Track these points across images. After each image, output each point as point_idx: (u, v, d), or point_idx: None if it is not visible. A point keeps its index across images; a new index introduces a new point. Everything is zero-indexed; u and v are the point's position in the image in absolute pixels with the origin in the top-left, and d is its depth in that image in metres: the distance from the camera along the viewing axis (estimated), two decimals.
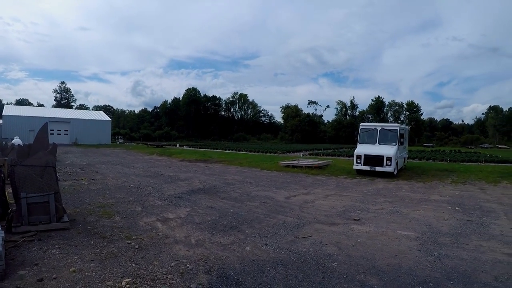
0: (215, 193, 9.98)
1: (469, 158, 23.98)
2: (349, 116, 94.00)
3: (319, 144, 68.64)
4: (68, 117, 49.68)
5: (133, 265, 4.28)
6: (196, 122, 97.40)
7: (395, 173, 14.28)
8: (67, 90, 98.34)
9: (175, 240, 5.37)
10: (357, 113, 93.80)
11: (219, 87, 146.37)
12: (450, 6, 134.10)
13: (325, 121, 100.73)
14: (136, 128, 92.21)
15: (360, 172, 14.99)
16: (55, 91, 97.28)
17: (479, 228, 6.54)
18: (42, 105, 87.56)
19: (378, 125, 15.45)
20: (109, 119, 55.31)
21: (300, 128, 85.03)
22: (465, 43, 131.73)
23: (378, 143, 14.84)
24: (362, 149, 14.85)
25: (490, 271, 4.30)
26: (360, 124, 16.20)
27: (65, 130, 47.68)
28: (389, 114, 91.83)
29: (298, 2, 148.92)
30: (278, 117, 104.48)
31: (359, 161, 14.65)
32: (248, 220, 6.79)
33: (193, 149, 40.38)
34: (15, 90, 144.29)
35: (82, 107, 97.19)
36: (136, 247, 4.96)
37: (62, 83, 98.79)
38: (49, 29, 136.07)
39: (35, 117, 44.86)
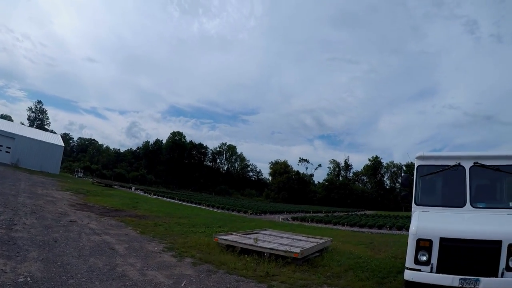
0: None
1: None
2: (342, 176, 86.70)
3: (308, 205, 60.31)
4: (13, 132, 39.85)
5: None
6: (178, 169, 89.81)
7: None
8: (43, 111, 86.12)
9: None
10: (351, 174, 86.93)
11: (214, 139, 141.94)
12: (447, 75, 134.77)
13: (316, 182, 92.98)
14: (112, 166, 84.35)
15: None
16: (29, 109, 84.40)
17: None
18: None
19: (466, 156, 5.70)
20: (62, 144, 46.07)
21: (288, 186, 77.41)
22: (460, 111, 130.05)
23: (471, 203, 5.36)
24: (432, 222, 4.99)
25: None
26: (416, 155, 6.41)
27: (7, 147, 38.20)
28: (386, 177, 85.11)
29: (304, 64, 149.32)
30: (267, 175, 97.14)
31: (424, 255, 4.51)
32: None
33: (145, 195, 34.71)
34: (11, 109, 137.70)
35: (66, 136, 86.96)
36: None
37: (39, 102, 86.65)
38: (56, 53, 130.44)
39: None
